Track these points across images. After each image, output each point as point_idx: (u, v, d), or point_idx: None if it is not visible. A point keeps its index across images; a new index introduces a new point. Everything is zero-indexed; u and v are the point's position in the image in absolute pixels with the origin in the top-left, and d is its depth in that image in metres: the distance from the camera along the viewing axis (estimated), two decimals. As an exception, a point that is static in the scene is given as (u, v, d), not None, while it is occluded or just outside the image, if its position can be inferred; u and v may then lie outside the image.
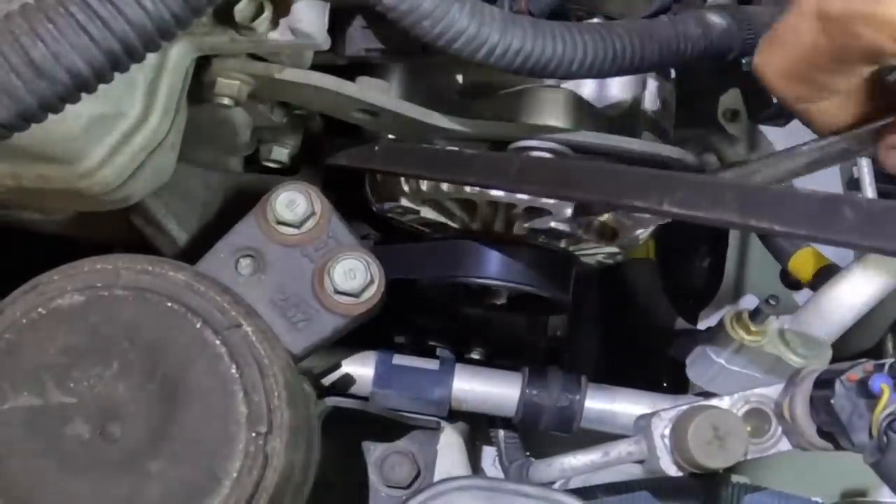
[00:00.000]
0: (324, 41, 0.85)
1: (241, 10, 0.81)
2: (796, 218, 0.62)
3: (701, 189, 0.67)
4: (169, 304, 0.79)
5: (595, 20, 1.01)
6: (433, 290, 1.10)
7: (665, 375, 1.19)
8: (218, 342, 0.79)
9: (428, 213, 1.06)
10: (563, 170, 0.86)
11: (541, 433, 1.10)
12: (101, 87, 0.65)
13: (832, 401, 0.82)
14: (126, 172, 0.82)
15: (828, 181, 1.36)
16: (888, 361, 0.82)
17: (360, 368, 1.07)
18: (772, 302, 0.99)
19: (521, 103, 1.02)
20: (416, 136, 1.00)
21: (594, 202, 0.89)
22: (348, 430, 0.97)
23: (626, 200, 0.73)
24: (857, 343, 1.17)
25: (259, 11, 0.81)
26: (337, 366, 1.00)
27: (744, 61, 1.01)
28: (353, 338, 0.97)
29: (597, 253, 1.12)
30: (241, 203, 0.97)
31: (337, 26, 0.89)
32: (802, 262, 1.19)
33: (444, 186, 1.00)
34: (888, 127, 0.72)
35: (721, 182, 0.68)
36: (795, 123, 1.31)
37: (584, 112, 1.02)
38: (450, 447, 1.02)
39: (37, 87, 0.61)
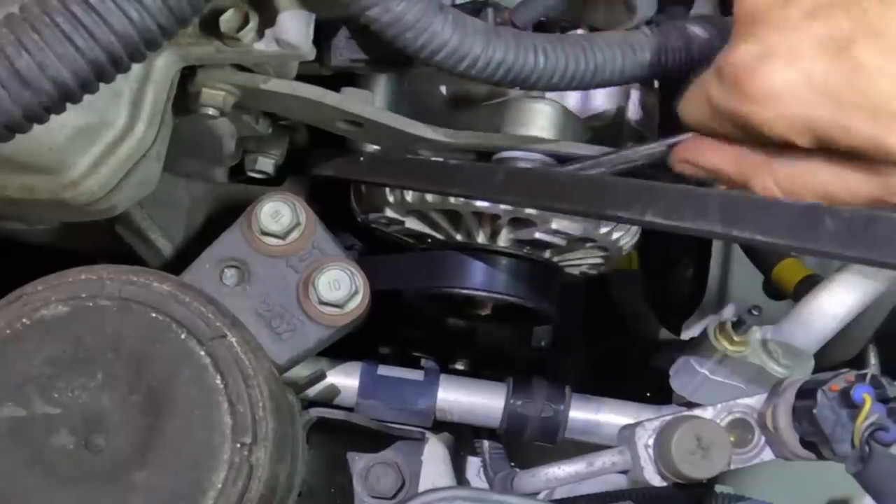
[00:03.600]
0: (309, 52, 0.85)
1: (227, 21, 0.81)
2: (778, 228, 0.62)
3: (684, 199, 0.67)
4: (153, 315, 0.79)
5: (579, 31, 1.01)
6: (418, 300, 1.10)
7: (649, 386, 1.19)
8: (203, 353, 0.79)
9: (413, 223, 1.06)
10: (547, 180, 0.86)
11: (525, 443, 1.10)
12: (87, 97, 0.65)
13: (815, 411, 0.82)
14: (111, 183, 0.82)
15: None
16: (869, 371, 0.82)
17: (345, 379, 1.07)
18: (754, 312, 0.99)
19: (506, 114, 1.02)
20: (401, 147, 1.00)
21: (578, 213, 0.89)
22: (333, 441, 0.97)
23: (609, 211, 0.73)
24: (838, 353, 1.17)
25: (244, 22, 0.81)
26: (322, 376, 1.00)
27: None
28: (338, 348, 0.97)
29: (581, 264, 1.12)
30: (225, 213, 0.97)
31: (322, 37, 0.89)
32: (785, 273, 1.19)
33: (429, 197, 1.00)
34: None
35: (704, 192, 0.68)
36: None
37: (568, 122, 1.02)
38: (434, 458, 1.02)
39: (21, 98, 0.61)
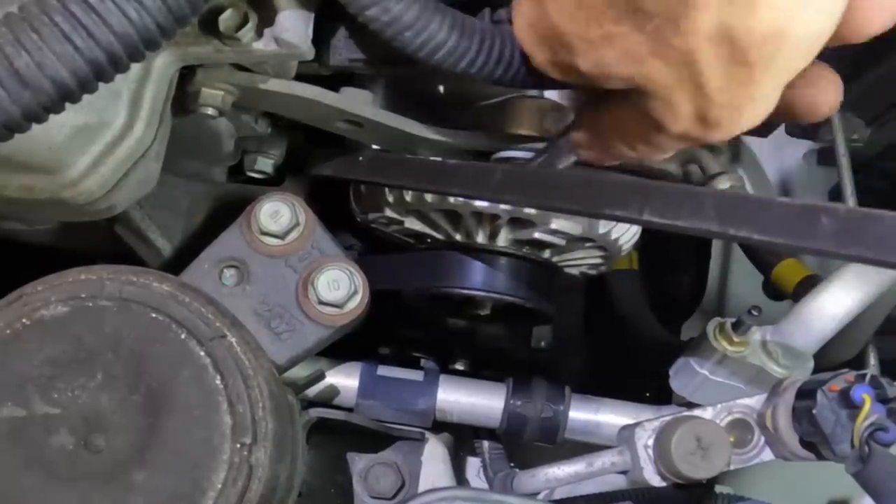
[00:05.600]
0: (308, 51, 0.85)
1: (226, 20, 0.81)
2: (774, 226, 0.62)
3: (680, 198, 0.67)
4: (153, 315, 0.79)
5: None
6: (417, 300, 1.10)
7: (649, 386, 1.19)
8: (202, 353, 0.79)
9: (412, 223, 1.06)
10: (546, 180, 0.86)
11: (525, 444, 1.10)
12: (85, 97, 0.65)
13: (814, 411, 0.82)
14: (110, 182, 0.82)
15: (812, 191, 1.37)
16: (869, 372, 0.82)
17: (345, 379, 1.07)
18: (754, 313, 0.99)
19: (504, 113, 1.02)
20: (400, 147, 1.00)
21: (575, 212, 0.89)
22: (333, 441, 0.97)
23: (606, 210, 0.73)
24: (838, 354, 1.17)
25: (243, 21, 0.81)
26: (321, 376, 1.00)
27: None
28: (338, 348, 0.97)
29: (580, 264, 1.12)
30: (225, 213, 0.97)
31: (321, 37, 0.89)
32: (785, 273, 1.19)
33: (428, 197, 1.00)
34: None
35: (701, 191, 0.68)
36: (778, 133, 1.33)
37: (567, 121, 1.02)
38: (434, 458, 1.02)
39: (21, 97, 0.61)
